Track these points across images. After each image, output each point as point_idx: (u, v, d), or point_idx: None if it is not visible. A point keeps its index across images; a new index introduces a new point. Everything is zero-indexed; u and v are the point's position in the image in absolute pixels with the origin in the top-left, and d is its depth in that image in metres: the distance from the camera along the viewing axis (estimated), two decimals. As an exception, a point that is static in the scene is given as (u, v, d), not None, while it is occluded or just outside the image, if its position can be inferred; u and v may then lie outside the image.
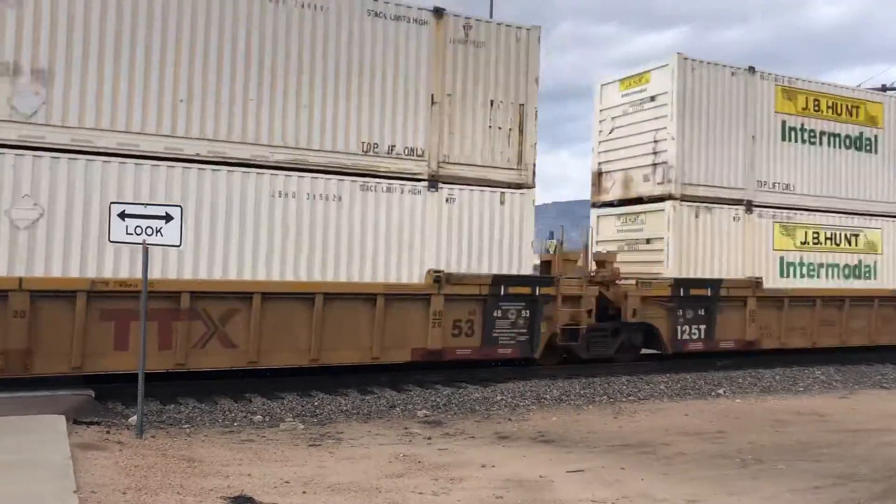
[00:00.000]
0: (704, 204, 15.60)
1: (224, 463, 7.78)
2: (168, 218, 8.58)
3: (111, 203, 8.85)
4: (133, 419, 9.43)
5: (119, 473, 7.09)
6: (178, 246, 8.83)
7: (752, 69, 16.20)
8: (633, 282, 14.96)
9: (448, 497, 6.83)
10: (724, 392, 13.41)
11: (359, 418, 10.73)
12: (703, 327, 15.30)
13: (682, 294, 15.00)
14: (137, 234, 8.57)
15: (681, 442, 9.47)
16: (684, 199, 15.37)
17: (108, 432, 8.90)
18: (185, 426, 9.78)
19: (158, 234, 8.57)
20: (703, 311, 15.29)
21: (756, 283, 15.79)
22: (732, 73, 15.97)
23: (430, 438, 9.48)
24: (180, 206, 8.79)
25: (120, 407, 10.49)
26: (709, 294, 15.27)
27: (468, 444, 9.19)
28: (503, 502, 6.71)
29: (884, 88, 28.71)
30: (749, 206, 15.99)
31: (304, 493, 6.77)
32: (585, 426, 10.44)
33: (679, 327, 15.09)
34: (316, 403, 11.33)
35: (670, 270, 15.21)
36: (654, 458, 8.61)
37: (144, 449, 8.21)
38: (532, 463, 8.25)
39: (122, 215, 8.56)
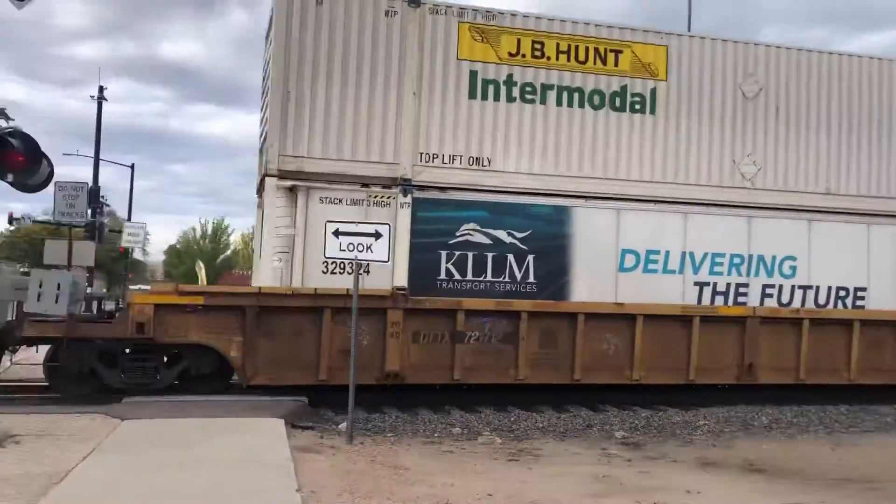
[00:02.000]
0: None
1: (428, 472, 8.05)
2: (377, 235, 9.10)
3: (326, 221, 9.50)
4: (343, 426, 10.01)
5: (333, 476, 7.55)
6: (387, 262, 9.30)
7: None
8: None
9: (652, 521, 6.64)
10: (966, 428, 11.98)
11: (555, 436, 10.69)
12: None
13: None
14: (349, 251, 9.15)
15: (913, 480, 8.58)
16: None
17: (321, 437, 9.50)
18: (389, 435, 10.22)
19: (368, 250, 9.10)
20: None
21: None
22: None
23: (629, 460, 9.26)
24: (388, 224, 9.29)
25: (330, 414, 11.16)
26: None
27: (670, 469, 8.87)
28: (712, 531, 6.42)
29: None
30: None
31: (506, 506, 6.85)
32: (799, 457, 9.74)
33: None
34: (512, 419, 11.44)
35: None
36: (884, 496, 7.86)
37: (354, 454, 8.68)
38: (742, 492, 7.82)
39: (337, 233, 9.18)
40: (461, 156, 12.11)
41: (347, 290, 10.43)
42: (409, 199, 11.75)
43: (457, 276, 12.04)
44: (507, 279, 12.27)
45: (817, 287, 13.59)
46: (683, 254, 13.03)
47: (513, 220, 12.35)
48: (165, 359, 11.39)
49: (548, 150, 12.56)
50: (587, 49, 12.80)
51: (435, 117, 12.06)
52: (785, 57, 13.74)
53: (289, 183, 11.51)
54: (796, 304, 13.51)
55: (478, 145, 12.27)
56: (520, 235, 12.32)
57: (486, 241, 12.20)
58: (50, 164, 8.77)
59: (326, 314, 11.21)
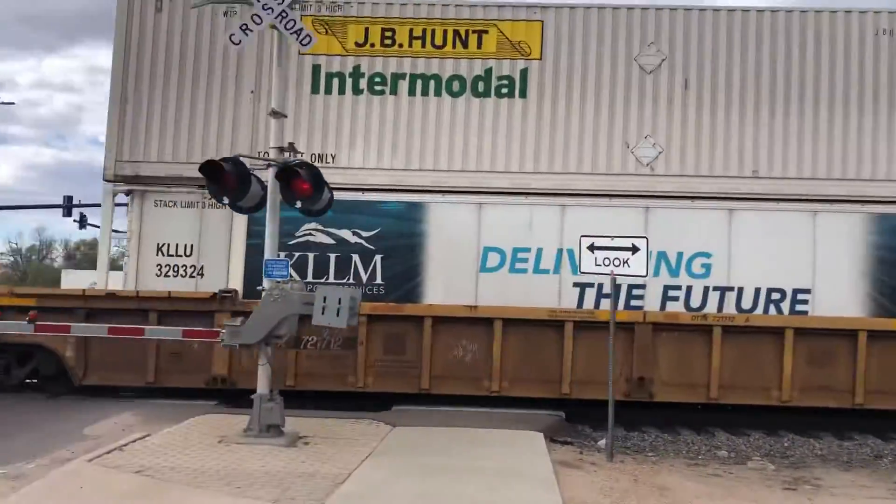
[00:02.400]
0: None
1: (696, 494, 7.69)
2: (634, 249, 8.91)
3: (581, 236, 9.47)
4: (601, 442, 9.88)
5: (596, 493, 7.47)
6: (645, 276, 9.07)
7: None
8: None
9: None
10: None
11: (837, 465, 9.72)
12: None
13: None
14: (605, 265, 9.05)
15: None
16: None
17: (580, 453, 9.45)
18: (650, 454, 9.91)
19: (625, 264, 8.94)
20: None
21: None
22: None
23: (928, 496, 8.17)
24: (646, 238, 9.06)
25: (587, 430, 11.07)
26: None
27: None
28: None
29: None
30: None
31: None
32: None
33: None
34: (786, 444, 10.60)
35: None
36: None
37: (616, 472, 8.52)
38: None
39: (592, 248, 9.14)
40: (303, 153, 11.14)
41: (169, 292, 11.15)
42: None
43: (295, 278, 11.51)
44: (351, 280, 11.79)
45: (740, 289, 11.25)
46: (560, 251, 11.66)
47: (359, 218, 11.83)
48: (17, 358, 11.67)
49: (399, 144, 11.94)
50: (445, 32, 11.92)
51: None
52: (697, 20, 11.47)
53: (125, 187, 11.89)
54: (711, 308, 11.51)
55: (321, 141, 11.96)
56: (366, 234, 11.84)
57: (329, 241, 11.84)
58: (330, 191, 9.66)
59: (152, 317, 11.13)
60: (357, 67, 12.03)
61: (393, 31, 11.97)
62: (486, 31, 11.95)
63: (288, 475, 7.32)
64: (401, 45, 11.98)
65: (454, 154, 11.95)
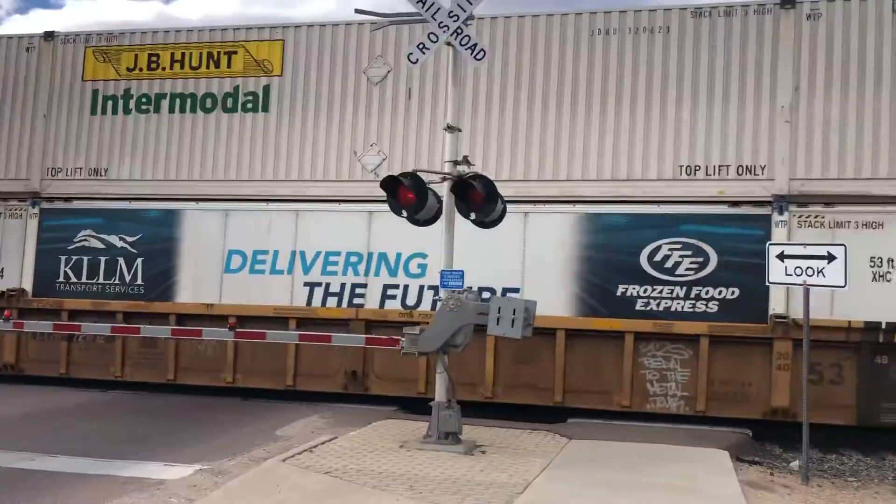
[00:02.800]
0: None
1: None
2: (830, 258, 8.31)
3: (769, 244, 8.97)
4: (795, 464, 9.26)
5: (791, 517, 7.00)
6: (843, 287, 8.42)
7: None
8: None
9: None
10: None
11: None
12: None
13: None
14: (797, 275, 8.50)
15: None
16: None
17: (771, 474, 8.90)
18: (851, 479, 9.15)
19: (820, 274, 8.34)
20: None
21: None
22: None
23: None
24: (844, 245, 8.43)
25: (778, 450, 10.42)
26: None
27: None
28: None
29: None
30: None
31: None
32: None
33: None
34: None
35: None
36: None
37: (812, 497, 7.94)
38: None
39: (781, 256, 8.61)
40: (82, 168, 13.42)
41: None
42: (36, 210, 13.46)
43: (73, 279, 13.26)
44: (117, 281, 13.09)
45: None
46: (293, 253, 12.42)
47: (125, 225, 13.14)
48: None
49: (160, 157, 13.16)
50: (200, 55, 13.17)
51: (61, 135, 13.52)
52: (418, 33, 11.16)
53: None
54: (425, 306, 11.75)
55: (97, 157, 13.40)
56: (130, 239, 13.13)
57: (100, 245, 13.24)
58: (503, 203, 9.75)
59: None
60: (127, 90, 13.45)
61: (157, 55, 13.40)
62: (235, 52, 13.12)
63: (467, 483, 7.43)
64: (163, 69, 13.35)
65: (206, 165, 13.02)
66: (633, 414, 11.31)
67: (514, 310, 8.72)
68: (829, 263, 8.32)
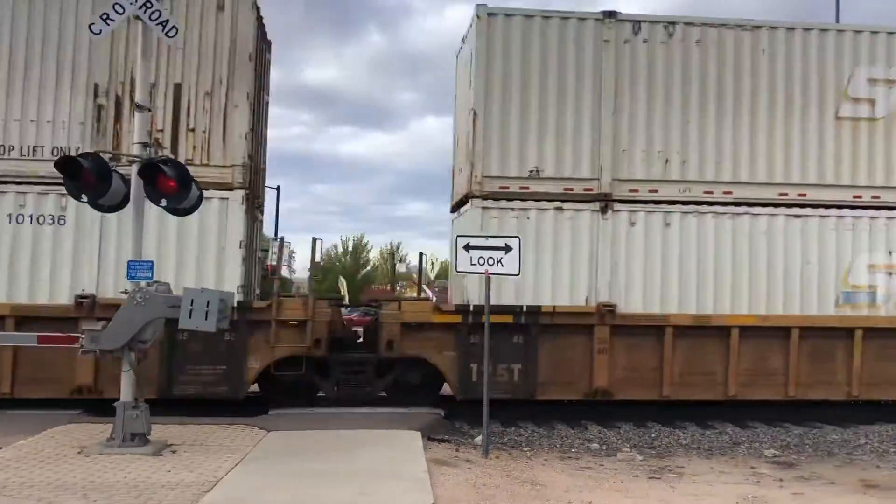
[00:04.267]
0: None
1: (565, 488, 7.88)
2: (507, 249, 9.05)
3: (457, 236, 9.55)
4: (478, 439, 9.99)
5: (469, 490, 7.53)
6: (517, 275, 9.22)
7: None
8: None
9: (809, 548, 6.17)
10: None
11: (699, 453, 10.21)
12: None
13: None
14: (481, 265, 9.16)
15: None
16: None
17: (457, 450, 9.52)
18: (526, 449, 10.10)
19: (499, 264, 9.07)
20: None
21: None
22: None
23: (781, 480, 8.69)
24: (519, 238, 9.23)
25: (466, 427, 11.18)
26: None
27: (827, 491, 8.26)
28: (878, 561, 5.89)
29: None
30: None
31: (646, 526, 6.59)
32: (981, 481, 8.81)
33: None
34: (653, 435, 11.04)
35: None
36: None
37: (490, 468, 8.63)
38: (911, 519, 7.16)
39: (468, 247, 9.22)
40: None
41: None
42: None
43: None
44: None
45: None
46: None
47: None
48: None
49: None
50: None
51: None
52: None
53: None
54: None
55: None
56: None
57: None
58: (199, 189, 9.31)
59: None
60: None
61: None
62: None
63: (151, 485, 7.00)
64: None
65: None
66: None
67: (209, 302, 8.38)
68: (506, 254, 9.07)
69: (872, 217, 12.30)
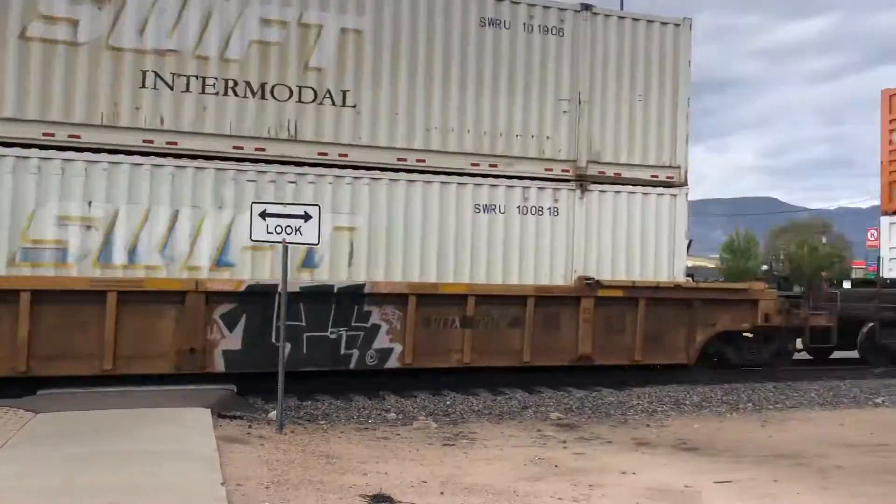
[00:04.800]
0: None
1: (361, 460, 7.83)
2: (307, 217, 8.77)
3: (252, 203, 9.11)
4: (273, 414, 9.69)
5: (261, 467, 7.26)
6: (317, 244, 8.98)
7: None
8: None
9: (588, 504, 6.57)
10: (884, 401, 12.36)
11: (491, 419, 10.60)
12: None
13: None
14: (278, 233, 8.81)
15: (838, 454, 8.75)
16: None
17: (250, 426, 9.17)
18: (322, 422, 9.95)
19: (297, 233, 8.77)
20: None
21: None
22: None
23: (564, 442, 9.22)
24: (318, 206, 8.98)
25: (260, 402, 10.82)
26: None
27: (605, 450, 8.86)
28: (647, 512, 6.38)
29: None
30: None
31: (441, 493, 6.68)
32: (730, 434, 9.86)
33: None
34: (448, 403, 11.30)
35: None
36: (810, 471, 7.98)
37: (284, 444, 8.39)
38: (675, 472, 7.84)
39: (263, 215, 8.82)
40: None
41: None
42: None
43: None
44: None
45: None
46: None
47: None
48: None
49: None
50: None
51: None
52: None
53: None
54: None
55: None
56: None
57: None
58: None
59: None
60: None
61: None
62: None
63: None
64: None
65: None
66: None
67: None
68: (305, 222, 8.79)
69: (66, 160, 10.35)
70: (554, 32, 12.67)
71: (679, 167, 13.41)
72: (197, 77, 10.93)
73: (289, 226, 8.81)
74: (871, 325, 15.52)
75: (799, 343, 14.78)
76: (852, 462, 8.38)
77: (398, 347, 11.76)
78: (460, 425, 10.10)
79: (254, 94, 11.17)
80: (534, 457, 8.31)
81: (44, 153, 10.28)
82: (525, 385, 12.46)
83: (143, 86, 10.69)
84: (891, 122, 18.02)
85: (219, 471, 6.72)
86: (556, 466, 7.91)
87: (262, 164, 11.20)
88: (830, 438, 9.64)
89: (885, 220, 18.37)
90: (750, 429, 10.26)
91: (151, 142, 10.73)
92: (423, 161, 11.97)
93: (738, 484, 7.38)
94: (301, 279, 11.17)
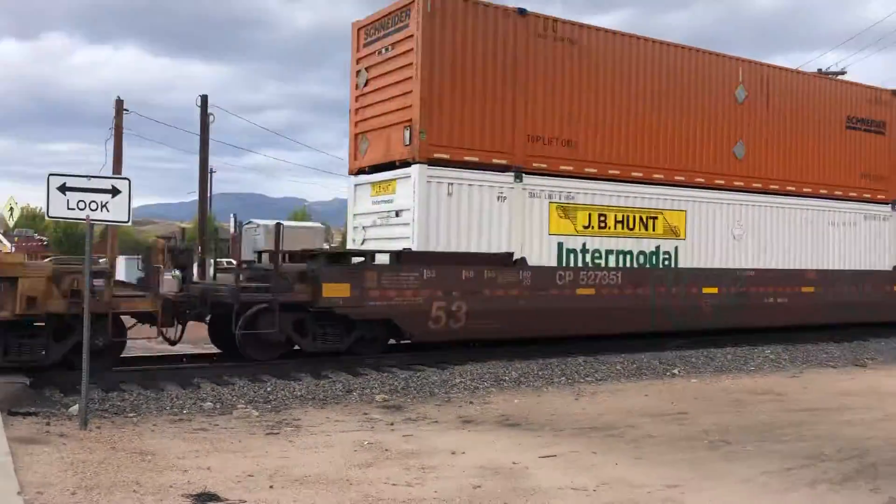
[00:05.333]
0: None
1: (179, 455, 7.28)
2: (115, 192, 7.96)
3: (50, 174, 8.13)
4: (74, 408, 8.81)
5: (66, 470, 6.53)
6: (127, 222, 8.20)
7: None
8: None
9: (424, 488, 6.50)
10: (680, 372, 13.44)
11: (314, 404, 10.30)
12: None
13: None
14: (81, 209, 7.93)
15: (646, 424, 9.35)
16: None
17: (48, 424, 8.27)
18: (132, 415, 9.19)
19: (104, 209, 7.94)
20: None
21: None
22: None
23: (392, 424, 9.13)
24: (128, 179, 8.18)
25: (58, 395, 9.82)
26: None
27: (433, 430, 8.88)
28: (483, 492, 6.42)
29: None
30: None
31: (271, 487, 6.34)
32: (548, 408, 10.25)
33: None
34: (268, 389, 10.83)
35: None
36: (623, 441, 8.45)
37: (91, 441, 7.63)
38: (502, 448, 8.00)
39: (63, 188, 7.91)
40: None
41: None
42: None
43: None
44: None
45: None
46: None
47: None
48: None
49: None
50: None
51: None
52: None
53: None
54: None
55: None
56: None
57: None
58: None
59: None
60: None
61: None
62: None
63: None
64: None
65: None
66: None
67: None
68: (113, 197, 7.99)
69: None
70: None
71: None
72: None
73: (93, 201, 7.95)
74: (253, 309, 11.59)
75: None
76: (659, 431, 8.97)
77: None
78: (283, 412, 9.72)
79: None
80: (363, 441, 8.15)
81: None
82: (349, 367, 12.25)
83: None
84: (358, 60, 14.38)
85: (14, 477, 5.96)
86: (386, 450, 7.79)
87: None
88: (638, 409, 10.29)
89: (351, 182, 14.83)
90: (566, 402, 10.73)
91: None
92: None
93: (561, 458, 7.65)
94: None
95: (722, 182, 15.96)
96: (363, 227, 14.34)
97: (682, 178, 15.39)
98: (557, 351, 14.05)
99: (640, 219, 14.85)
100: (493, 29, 13.27)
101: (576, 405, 10.54)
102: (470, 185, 13.14)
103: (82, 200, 7.94)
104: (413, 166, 12.82)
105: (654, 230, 15.00)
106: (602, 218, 14.45)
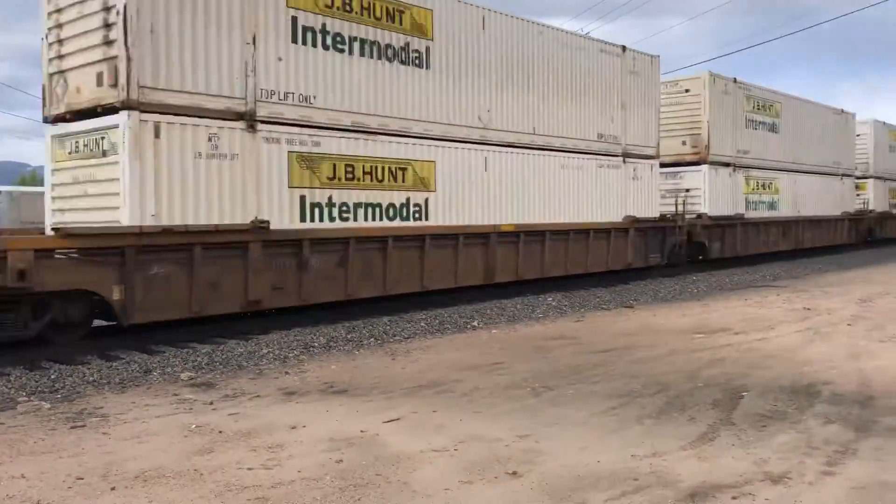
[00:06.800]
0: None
1: (-23, 466, 6.15)
2: None
3: None
4: None
5: None
6: None
7: None
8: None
9: (284, 469, 6.08)
10: (479, 324, 13.89)
11: (112, 388, 9.24)
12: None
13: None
14: None
15: (469, 378, 9.53)
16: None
17: None
18: None
19: None
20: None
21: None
22: None
23: (211, 403, 8.45)
24: None
25: None
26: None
27: (258, 406, 8.36)
28: (348, 466, 6.14)
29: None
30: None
31: (113, 489, 5.55)
32: (368, 372, 10.09)
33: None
34: (53, 377, 9.56)
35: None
36: (456, 396, 8.56)
37: None
38: (341, 417, 7.73)
39: None
40: None
41: None
42: None
43: None
44: None
45: None
46: None
47: None
48: None
49: None
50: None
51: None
52: None
53: None
54: None
55: None
56: None
57: None
58: None
59: None
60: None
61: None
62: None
63: None
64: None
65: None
66: None
67: None
68: None
69: None
70: None
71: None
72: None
73: None
74: None
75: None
76: (484, 383, 9.19)
77: None
78: (78, 401, 8.61)
79: None
80: (189, 425, 7.46)
81: None
82: (140, 346, 11.16)
83: None
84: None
85: None
86: (220, 432, 7.19)
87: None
88: (457, 363, 10.47)
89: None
90: (383, 363, 10.63)
91: None
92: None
93: (405, 420, 7.56)
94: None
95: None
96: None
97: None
98: (362, 311, 13.90)
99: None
100: None
101: (395, 365, 10.48)
102: None
103: None
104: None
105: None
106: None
